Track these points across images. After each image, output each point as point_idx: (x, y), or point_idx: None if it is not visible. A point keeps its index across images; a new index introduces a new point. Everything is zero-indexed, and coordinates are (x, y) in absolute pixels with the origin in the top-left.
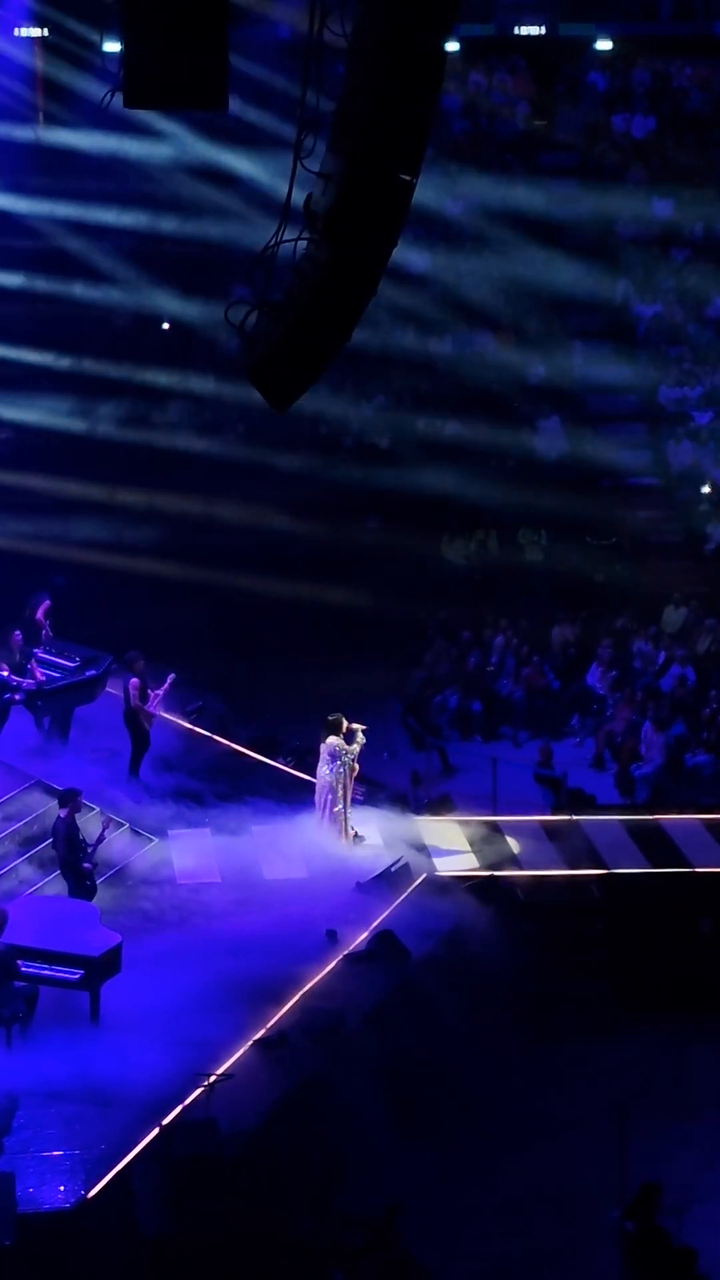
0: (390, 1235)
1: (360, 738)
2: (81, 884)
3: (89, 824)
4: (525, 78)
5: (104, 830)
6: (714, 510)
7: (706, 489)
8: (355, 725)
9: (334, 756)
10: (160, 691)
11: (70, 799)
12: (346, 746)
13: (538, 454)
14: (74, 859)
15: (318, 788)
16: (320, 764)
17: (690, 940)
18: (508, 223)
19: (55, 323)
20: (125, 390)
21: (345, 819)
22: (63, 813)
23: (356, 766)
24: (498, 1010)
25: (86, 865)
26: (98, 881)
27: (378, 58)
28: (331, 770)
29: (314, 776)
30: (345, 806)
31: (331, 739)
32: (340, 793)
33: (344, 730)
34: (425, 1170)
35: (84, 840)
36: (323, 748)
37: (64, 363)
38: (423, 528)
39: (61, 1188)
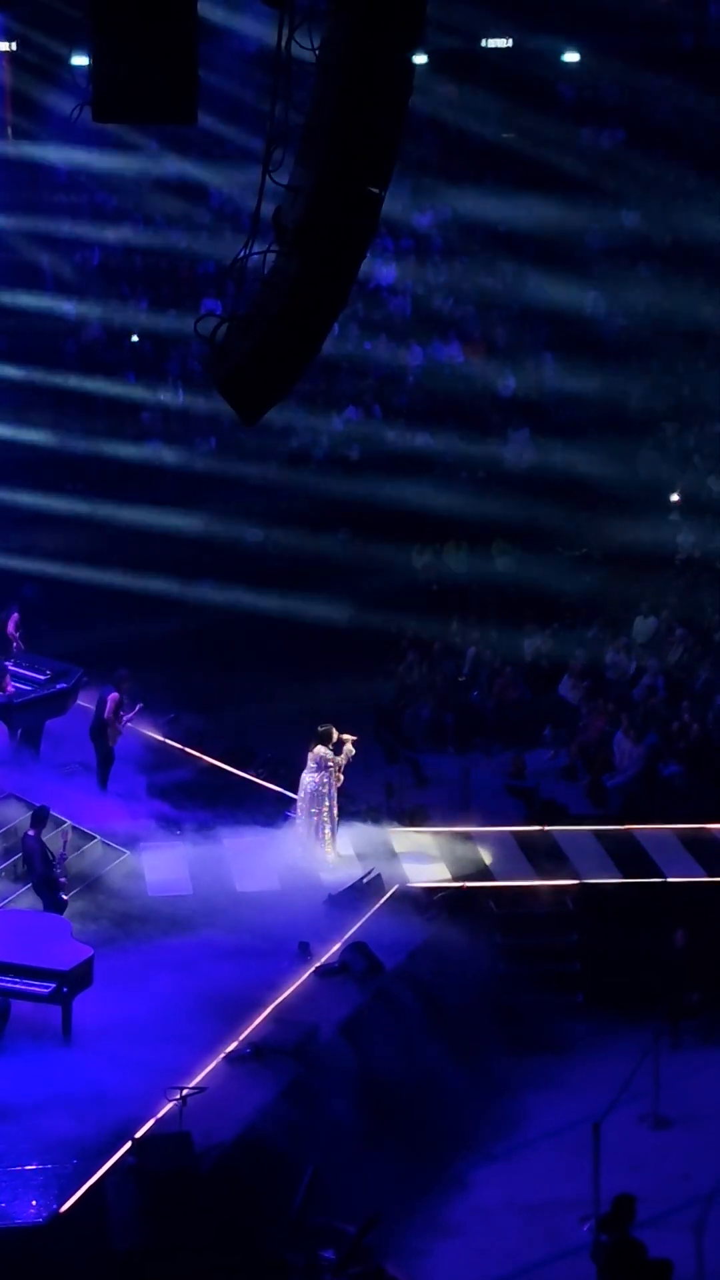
0: (365, 1248)
1: (349, 748)
2: (55, 898)
3: (52, 841)
4: (494, 90)
5: (64, 847)
6: (683, 520)
7: (675, 498)
8: (345, 736)
9: (320, 766)
10: (128, 716)
11: (41, 819)
12: (334, 757)
13: (508, 465)
14: (49, 873)
15: (300, 795)
16: (306, 771)
17: (663, 951)
18: (477, 235)
19: (24, 336)
20: (95, 403)
21: (329, 829)
22: (32, 832)
23: (341, 777)
24: (471, 1021)
25: (63, 879)
26: (69, 895)
27: (346, 71)
28: (317, 779)
29: (287, 788)
30: (330, 817)
31: (320, 748)
32: (325, 803)
33: (333, 740)
34: (400, 1182)
35: (50, 855)
36: (310, 756)
37: (33, 376)
38: (393, 539)
39: (34, 1202)
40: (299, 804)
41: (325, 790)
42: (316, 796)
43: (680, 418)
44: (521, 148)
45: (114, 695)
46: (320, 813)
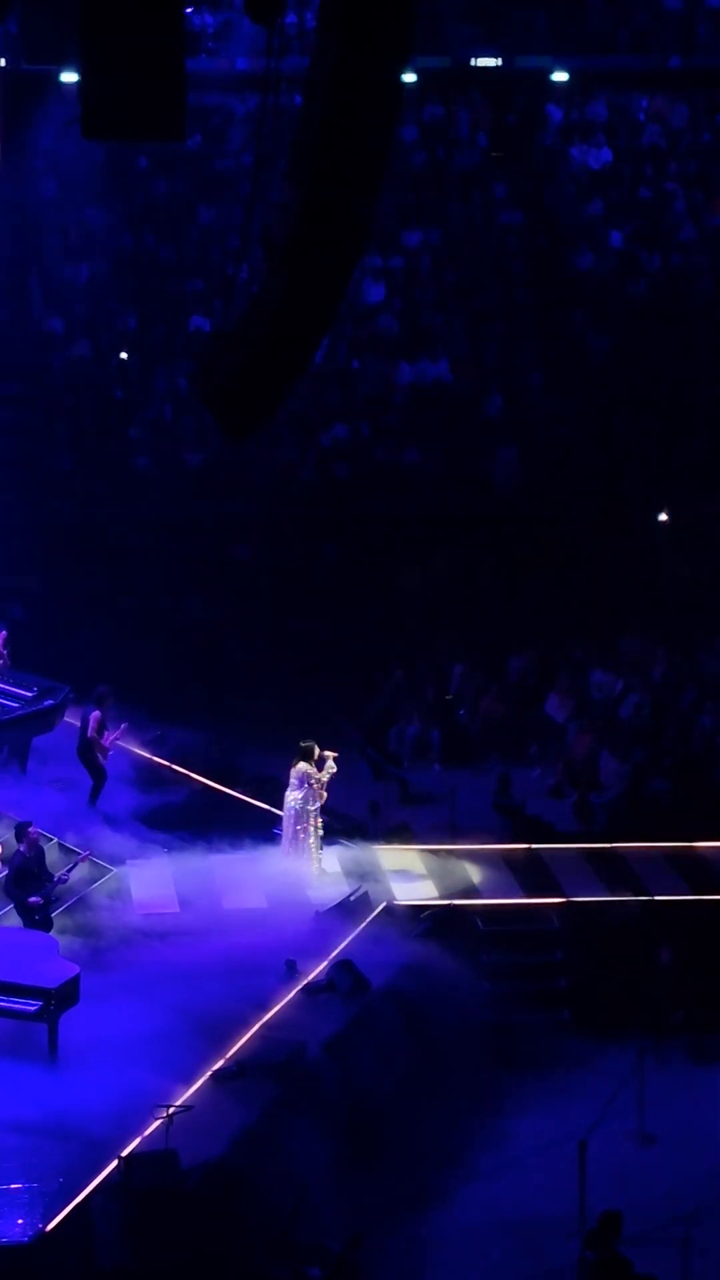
0: (351, 1267)
1: (331, 765)
2: (30, 919)
3: (51, 855)
4: (482, 109)
5: (66, 872)
6: (669, 539)
7: (663, 517)
8: (327, 753)
9: (303, 782)
10: (114, 735)
11: (23, 834)
12: (316, 774)
13: (495, 483)
14: (21, 894)
15: (285, 814)
16: (289, 789)
17: (649, 969)
18: (465, 253)
19: (12, 352)
20: (83, 418)
21: (314, 846)
22: (22, 846)
23: (324, 794)
24: (457, 1039)
25: (34, 900)
26: (55, 913)
27: (335, 89)
28: (299, 796)
29: (273, 805)
30: (314, 834)
31: (302, 765)
32: (309, 820)
33: (315, 757)
34: (385, 1200)
35: (49, 874)
36: (293, 773)
37: (21, 390)
38: (380, 556)
39: (20, 1221)
40: (283, 822)
41: (309, 808)
42: (300, 814)
43: (667, 438)
44: (509, 167)
45: (96, 714)
46: (304, 830)
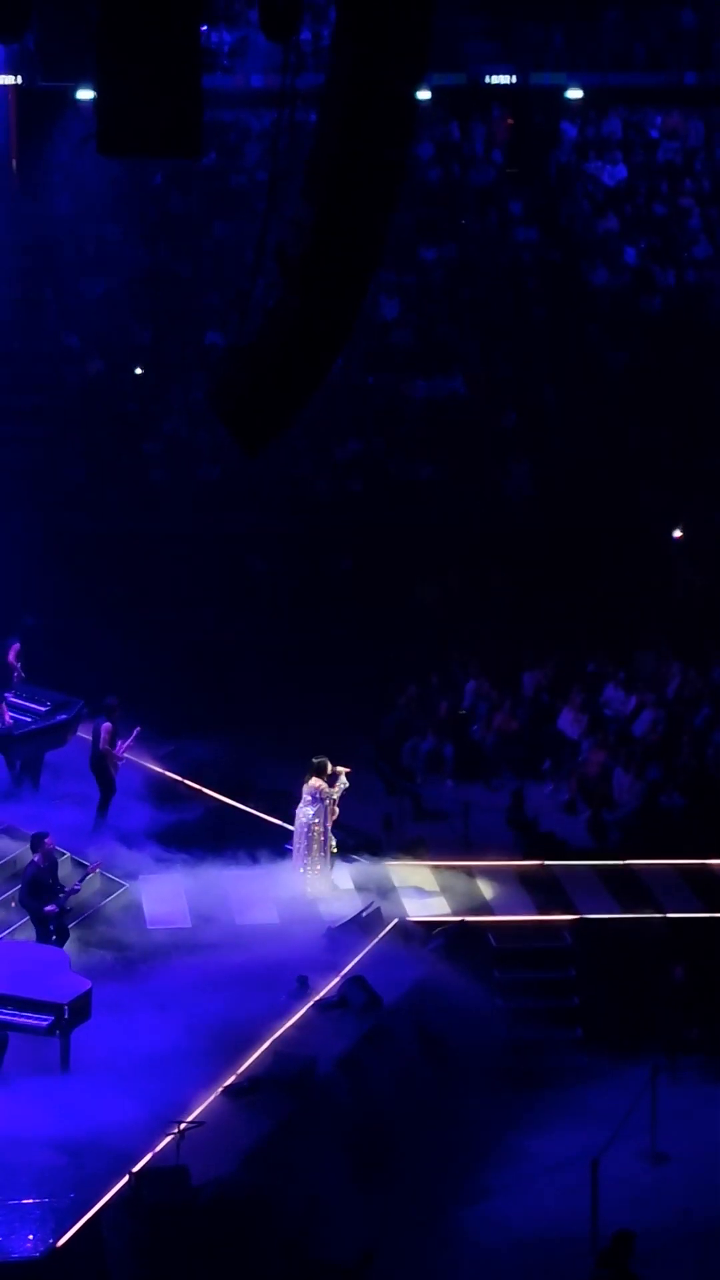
0: None
1: (343, 781)
2: (46, 930)
3: (62, 868)
4: (498, 126)
5: (78, 883)
6: (683, 554)
7: (677, 534)
8: (339, 768)
9: (315, 798)
10: (126, 742)
11: (39, 844)
12: (329, 789)
13: (509, 498)
14: (36, 905)
15: (297, 829)
16: (301, 805)
17: (662, 987)
18: (480, 269)
19: (28, 366)
20: (98, 433)
21: (326, 862)
22: (36, 857)
23: (337, 810)
24: (470, 1056)
25: (50, 909)
26: (69, 925)
27: (350, 106)
28: (311, 812)
29: (285, 820)
30: (326, 850)
31: (315, 780)
32: (320, 836)
33: (328, 773)
34: (397, 1217)
35: (60, 886)
36: (305, 789)
37: (36, 404)
38: (395, 570)
39: (31, 1236)
40: (295, 838)
41: (320, 823)
42: (312, 830)
43: (681, 452)
44: (524, 184)
45: (107, 725)
46: (316, 846)
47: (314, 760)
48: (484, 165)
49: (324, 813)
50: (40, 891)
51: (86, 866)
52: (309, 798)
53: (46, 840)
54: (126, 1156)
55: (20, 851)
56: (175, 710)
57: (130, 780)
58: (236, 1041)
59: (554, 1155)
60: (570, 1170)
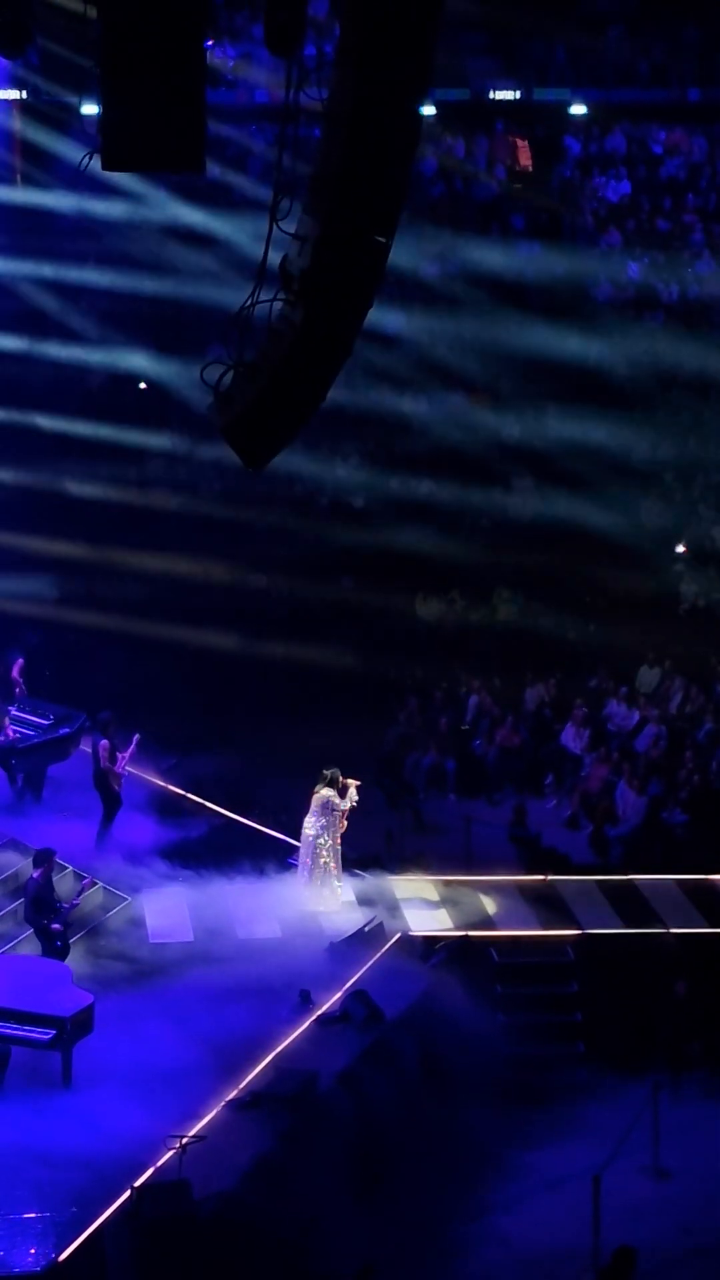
0: None
1: (353, 793)
2: (51, 945)
3: (63, 883)
4: (503, 142)
5: (77, 897)
6: (687, 570)
7: (681, 549)
8: (349, 781)
9: (324, 810)
10: (127, 753)
11: (43, 860)
12: (339, 801)
13: (511, 513)
14: (41, 920)
15: (304, 841)
16: (310, 815)
17: (665, 1002)
18: (483, 285)
19: (30, 382)
20: (100, 449)
21: (334, 874)
22: (36, 873)
23: (345, 823)
24: (471, 1071)
25: (55, 926)
26: (70, 940)
27: (353, 121)
28: (320, 824)
29: (289, 835)
30: (333, 862)
31: (325, 791)
32: (328, 849)
33: (339, 785)
34: (398, 1232)
35: (58, 901)
36: (315, 800)
37: (39, 421)
38: (397, 587)
39: (32, 1250)
40: (301, 850)
41: (328, 836)
42: (319, 842)
43: (685, 468)
44: (528, 199)
45: (104, 742)
46: (322, 859)
47: (324, 771)
48: (487, 181)
49: (333, 825)
50: (43, 907)
51: (83, 881)
52: (318, 810)
53: (52, 856)
54: (128, 1170)
55: (23, 865)
56: (177, 725)
57: (133, 794)
58: (238, 1055)
59: (555, 1171)
60: (571, 1186)
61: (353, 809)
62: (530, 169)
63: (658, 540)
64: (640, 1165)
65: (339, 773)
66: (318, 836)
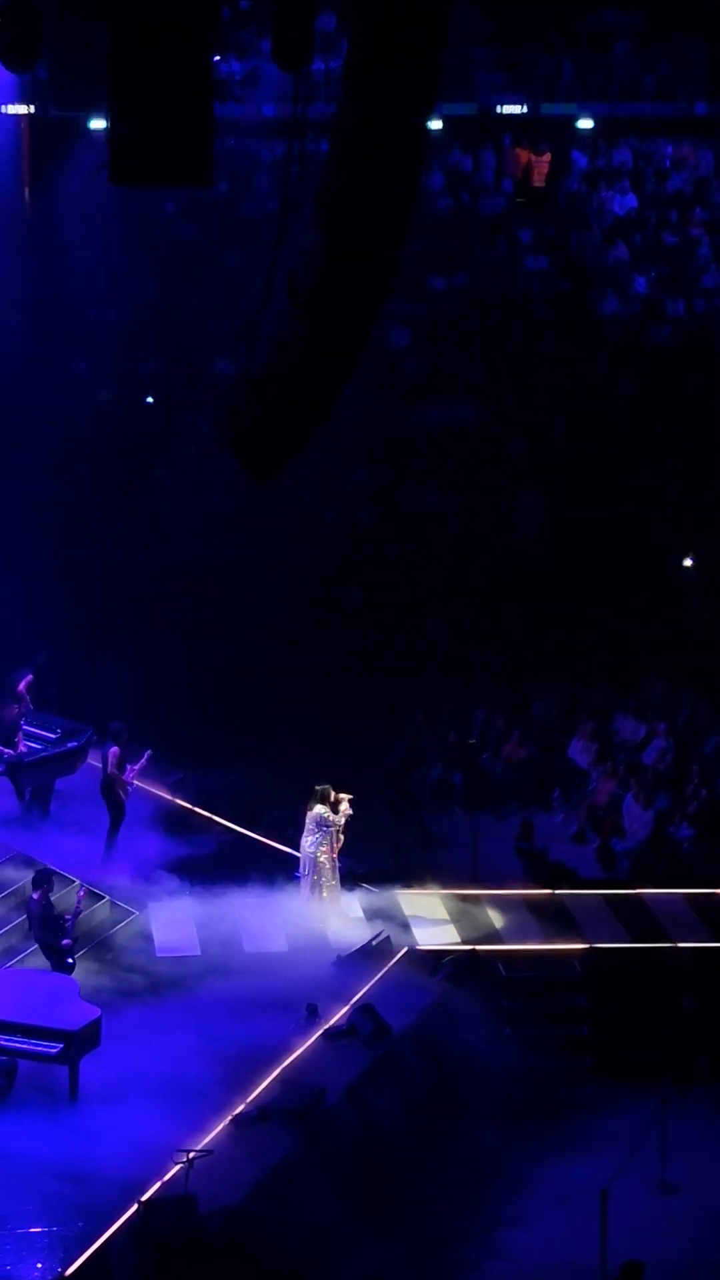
0: None
1: (346, 808)
2: (61, 961)
3: (66, 898)
4: (509, 156)
5: (78, 904)
6: (693, 585)
7: (688, 563)
8: (342, 795)
9: (319, 826)
10: (136, 767)
11: (43, 881)
12: (332, 816)
13: (519, 526)
14: (50, 939)
15: (304, 858)
16: (305, 833)
17: (672, 1016)
18: (490, 299)
19: (37, 395)
20: (107, 461)
21: (331, 890)
22: (35, 894)
23: (341, 838)
24: (478, 1085)
25: (66, 942)
26: (76, 956)
27: (360, 135)
28: (316, 840)
29: (294, 849)
30: (331, 878)
31: (318, 808)
32: (326, 863)
33: (331, 800)
34: (405, 1247)
35: (61, 917)
36: (308, 817)
37: (45, 433)
38: (404, 599)
39: (39, 1265)
40: (302, 866)
41: (325, 851)
42: (316, 858)
43: (692, 483)
44: (534, 213)
45: (114, 750)
46: (324, 875)
47: (316, 788)
48: (494, 194)
49: (329, 841)
50: (50, 924)
51: (78, 892)
52: (312, 826)
53: (50, 877)
54: (134, 1185)
55: (28, 879)
56: (184, 739)
57: (140, 808)
58: (245, 1070)
59: (562, 1185)
60: (579, 1200)
61: (354, 823)
62: (544, 186)
63: (665, 553)
64: (648, 1179)
65: (330, 789)
66: (314, 853)
